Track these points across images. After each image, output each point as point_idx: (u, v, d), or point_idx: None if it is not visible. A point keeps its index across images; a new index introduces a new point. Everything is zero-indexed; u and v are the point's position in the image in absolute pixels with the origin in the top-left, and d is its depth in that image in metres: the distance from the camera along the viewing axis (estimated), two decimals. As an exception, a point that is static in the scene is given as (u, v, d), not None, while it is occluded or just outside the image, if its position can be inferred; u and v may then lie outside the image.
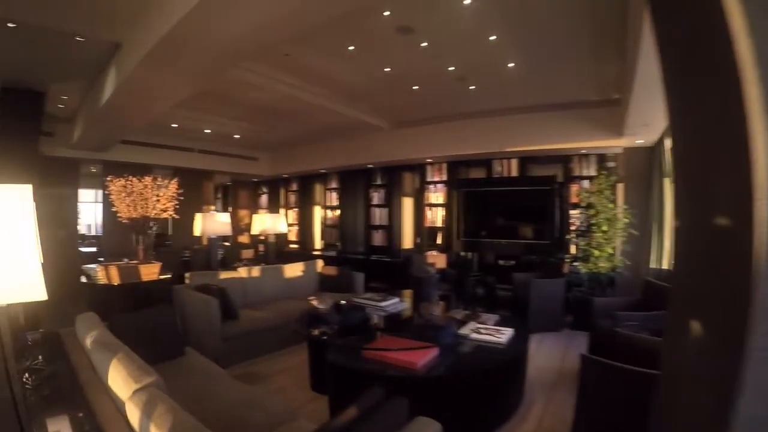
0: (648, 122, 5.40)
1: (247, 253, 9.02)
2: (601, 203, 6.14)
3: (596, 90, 6.12)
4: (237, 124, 8.69)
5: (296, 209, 12.15)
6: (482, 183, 8.00)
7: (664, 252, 6.14)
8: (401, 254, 8.85)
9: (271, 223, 7.34)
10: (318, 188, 11.51)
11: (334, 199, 10.82)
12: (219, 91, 6.34)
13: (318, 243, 11.56)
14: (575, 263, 6.49)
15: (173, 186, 6.04)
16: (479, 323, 4.03)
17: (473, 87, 6.19)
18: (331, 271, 6.78)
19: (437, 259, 7.55)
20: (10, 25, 4.12)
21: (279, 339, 4.89)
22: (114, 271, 5.35)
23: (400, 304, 4.83)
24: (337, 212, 10.75)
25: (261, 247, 10.30)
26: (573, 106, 6.61)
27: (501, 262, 7.54)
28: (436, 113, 7.70)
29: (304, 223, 11.89)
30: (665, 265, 6.00)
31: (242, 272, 5.62)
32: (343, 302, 4.40)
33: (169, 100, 5.56)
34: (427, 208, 8.77)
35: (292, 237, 12.14)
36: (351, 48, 4.91)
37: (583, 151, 6.97)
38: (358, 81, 6.12)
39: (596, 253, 6.11)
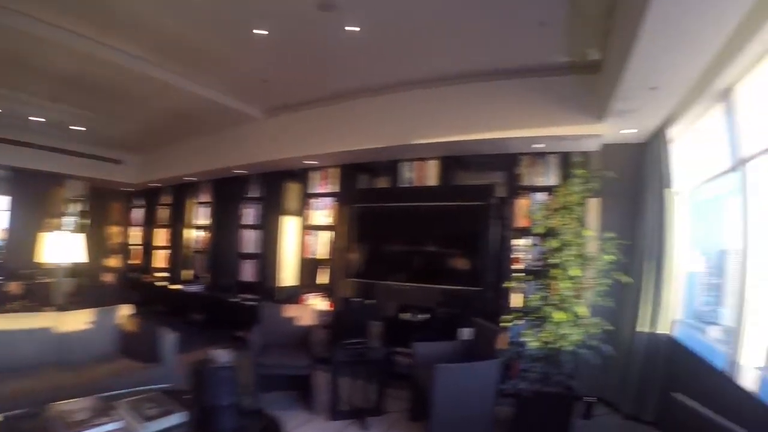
0: (657, 85, 3.07)
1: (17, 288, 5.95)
2: (568, 228, 3.56)
3: (562, 45, 3.72)
4: (69, 111, 6.27)
5: (168, 228, 9.14)
6: (384, 196, 5.35)
7: (663, 307, 3.80)
8: (275, 295, 6.12)
9: (64, 246, 4.29)
10: (190, 202, 8.59)
11: (208, 215, 7.92)
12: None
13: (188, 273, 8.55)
14: (520, 329, 3.81)
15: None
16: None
17: (355, 28, 3.57)
18: (133, 325, 4.07)
19: (307, 311, 4.72)
20: None
21: None
22: None
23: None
24: (208, 233, 7.84)
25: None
26: (524, 73, 4.13)
27: (406, 316, 4.80)
28: (319, 91, 5.14)
29: (177, 246, 8.87)
30: (663, 329, 3.89)
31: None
32: None
33: None
34: (306, 232, 6.02)
35: (161, 264, 9.11)
36: None
37: (538, 147, 4.41)
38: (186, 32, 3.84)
39: (557, 316, 3.49)
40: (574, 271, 3.47)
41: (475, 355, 3.83)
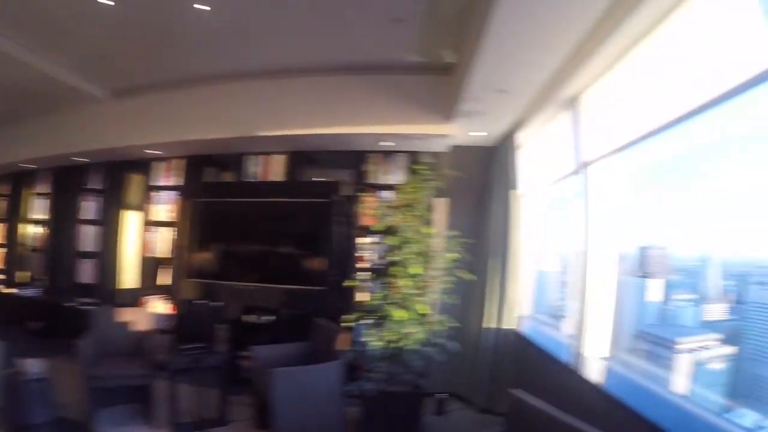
0: (505, 88, 3.18)
1: None
2: (411, 226, 3.54)
3: (417, 44, 3.70)
4: None
5: (2, 223, 7.86)
6: (229, 191, 5.03)
7: (508, 304, 3.92)
8: (115, 298, 5.49)
9: None
10: (27, 193, 7.47)
11: (46, 209, 6.92)
12: None
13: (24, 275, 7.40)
14: (363, 328, 3.73)
15: None
16: None
17: (205, 7, 3.24)
18: None
19: (147, 316, 4.26)
20: None
21: None
22: None
23: None
24: (46, 229, 6.86)
25: None
26: (376, 69, 4.07)
27: (251, 318, 4.53)
28: (165, 74, 4.65)
29: (12, 243, 7.65)
30: (510, 324, 4.01)
31: None
32: None
33: None
34: (147, 229, 5.48)
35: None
36: None
37: (387, 145, 4.40)
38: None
39: (398, 314, 3.44)
40: (414, 269, 3.45)
41: (318, 357, 3.67)
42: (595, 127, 3.03)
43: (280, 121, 4.25)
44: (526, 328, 4.02)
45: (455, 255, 3.50)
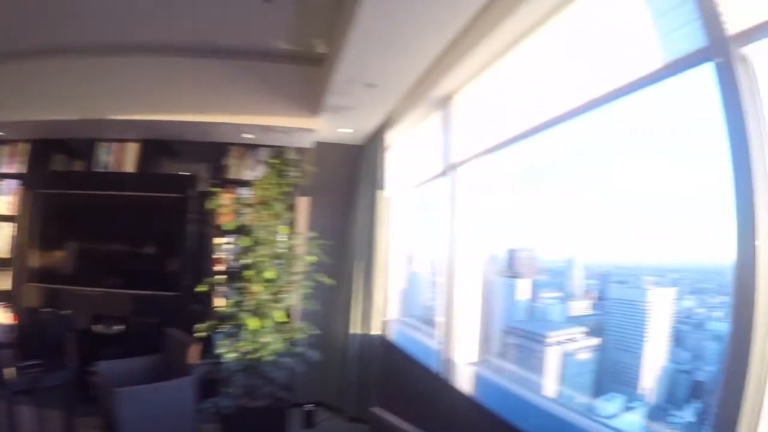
0: (374, 82, 2.99)
1: None
2: (267, 226, 3.21)
3: (291, 32, 3.38)
4: None
5: None
6: (77, 182, 4.37)
7: (374, 309, 3.69)
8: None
9: None
10: None
11: None
12: None
13: None
14: (218, 338, 3.37)
15: None
16: None
17: None
18: None
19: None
20: None
21: None
22: None
23: None
24: None
25: None
26: (241, 55, 3.68)
27: (99, 328, 3.99)
28: (9, 42, 3.84)
29: None
30: (377, 329, 3.74)
31: None
32: None
33: None
34: None
35: None
36: None
37: (249, 138, 4.00)
38: None
39: (252, 323, 3.12)
40: (268, 273, 3.13)
41: (170, 371, 3.28)
42: (465, 129, 2.97)
43: (134, 104, 3.72)
44: (394, 334, 3.87)
45: (314, 258, 3.22)
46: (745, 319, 1.15)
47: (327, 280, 3.36)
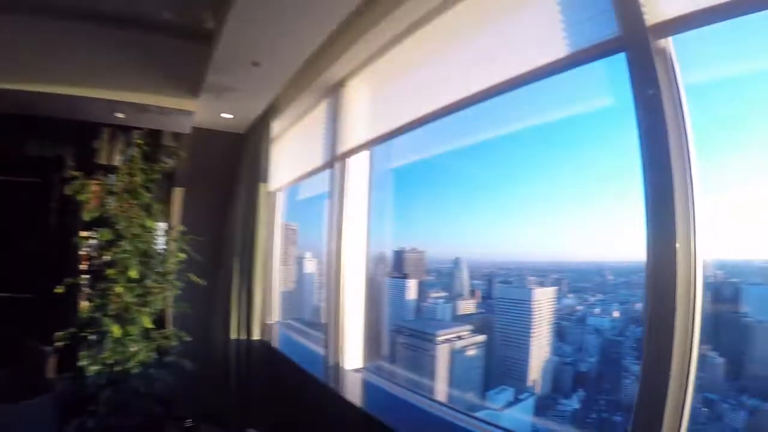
0: (259, 60, 2.76)
1: None
2: (133, 219, 2.79)
3: (177, 1, 2.99)
4: None
5: None
6: None
7: (256, 311, 3.39)
8: None
9: None
10: None
11: None
12: None
13: None
14: (81, 349, 2.92)
15: None
16: None
17: None
18: None
19: None
20: None
21: None
22: None
23: None
24: None
25: None
26: (122, 23, 3.19)
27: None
28: None
29: None
30: (258, 335, 3.47)
31: None
32: None
33: None
34: None
35: None
36: None
37: (121, 118, 3.51)
38: None
39: (116, 330, 2.70)
40: (132, 272, 2.71)
41: (25, 389, 2.81)
42: (356, 119, 2.79)
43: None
44: (278, 339, 3.59)
45: (183, 255, 2.83)
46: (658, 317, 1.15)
47: (197, 280, 2.97)
